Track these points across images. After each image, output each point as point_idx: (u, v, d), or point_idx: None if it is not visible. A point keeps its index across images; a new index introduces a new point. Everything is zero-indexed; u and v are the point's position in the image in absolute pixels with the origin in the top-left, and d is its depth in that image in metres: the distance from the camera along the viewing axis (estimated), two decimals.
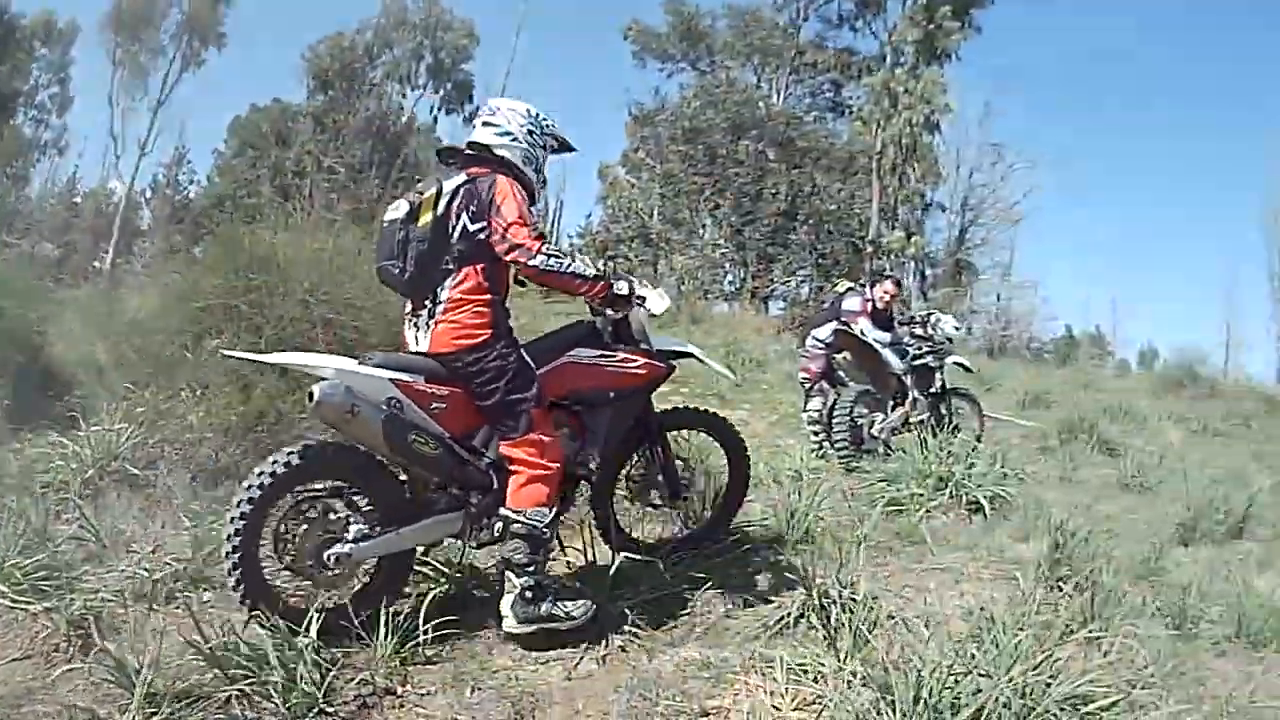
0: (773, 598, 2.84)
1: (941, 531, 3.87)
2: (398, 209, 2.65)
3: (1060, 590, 2.99)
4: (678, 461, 3.24)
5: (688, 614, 2.80)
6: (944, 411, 6.20)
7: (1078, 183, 48.14)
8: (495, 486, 2.64)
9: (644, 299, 2.79)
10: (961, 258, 19.48)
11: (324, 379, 2.44)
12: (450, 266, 2.58)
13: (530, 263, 2.53)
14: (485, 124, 2.76)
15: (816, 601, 2.59)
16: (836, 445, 5.47)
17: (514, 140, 2.73)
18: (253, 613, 2.32)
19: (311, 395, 2.40)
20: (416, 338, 2.66)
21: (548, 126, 2.82)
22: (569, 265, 2.59)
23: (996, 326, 18.90)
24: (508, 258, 2.56)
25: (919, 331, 6.39)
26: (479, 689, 2.33)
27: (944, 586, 3.20)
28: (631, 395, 2.92)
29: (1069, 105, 45.80)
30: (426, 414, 2.56)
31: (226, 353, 3.28)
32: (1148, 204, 44.37)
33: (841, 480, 4.74)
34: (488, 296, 2.60)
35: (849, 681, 2.13)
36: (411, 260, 2.60)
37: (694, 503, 3.40)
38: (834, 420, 5.55)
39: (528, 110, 2.79)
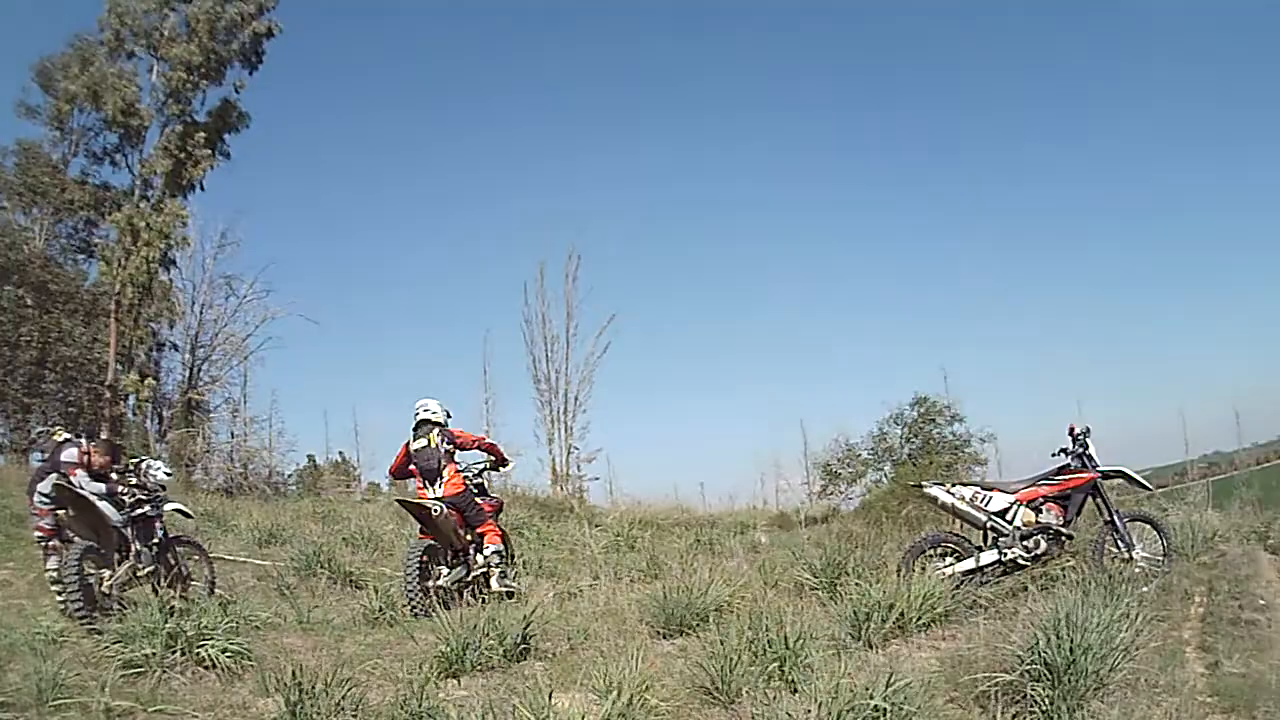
0: None
1: (182, 692, 3.72)
2: (422, 442, 6.70)
3: None
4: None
5: None
6: (172, 561, 6.18)
7: (329, 308, 46.71)
8: (472, 555, 6.63)
9: (510, 460, 7.56)
10: (193, 397, 18.44)
11: (435, 504, 6.50)
12: (444, 464, 6.66)
13: (495, 445, 7.34)
14: (428, 409, 6.82)
15: None
16: (72, 606, 5.16)
17: (441, 418, 6.85)
18: (414, 610, 5.70)
19: (438, 509, 6.42)
20: (431, 494, 6.59)
21: (448, 413, 6.93)
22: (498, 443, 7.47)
23: (235, 465, 17.58)
24: (486, 444, 7.25)
25: (133, 480, 6.29)
26: None
27: None
28: (493, 515, 7.05)
29: (316, 227, 41.82)
30: (449, 519, 6.44)
31: (399, 499, 7.39)
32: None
33: (84, 643, 4.50)
34: (460, 474, 6.79)
35: None
36: (431, 462, 6.67)
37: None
38: (65, 580, 5.25)
39: (440, 404, 6.91)
